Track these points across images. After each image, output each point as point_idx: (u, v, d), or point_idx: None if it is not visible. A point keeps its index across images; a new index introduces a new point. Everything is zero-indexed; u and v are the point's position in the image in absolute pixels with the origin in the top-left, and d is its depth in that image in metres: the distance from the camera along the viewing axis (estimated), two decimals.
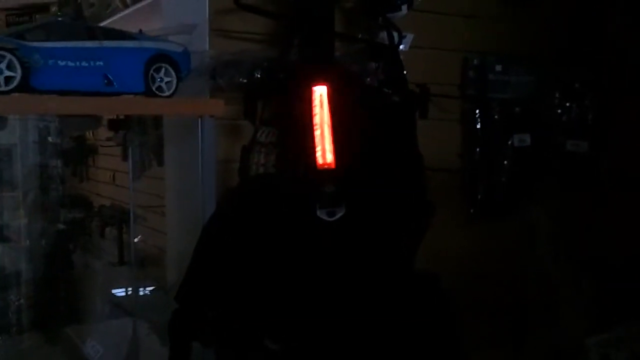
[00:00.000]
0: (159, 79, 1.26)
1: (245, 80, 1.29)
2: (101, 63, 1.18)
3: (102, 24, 1.90)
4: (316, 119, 1.19)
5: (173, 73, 1.28)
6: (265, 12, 1.35)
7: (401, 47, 1.64)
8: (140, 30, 1.28)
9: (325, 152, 1.18)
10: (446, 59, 1.79)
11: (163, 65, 1.27)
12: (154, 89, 1.26)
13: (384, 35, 1.54)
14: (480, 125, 1.83)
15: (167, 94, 1.28)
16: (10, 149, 2.07)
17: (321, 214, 1.15)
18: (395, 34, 1.52)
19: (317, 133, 1.18)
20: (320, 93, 1.20)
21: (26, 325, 1.94)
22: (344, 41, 1.45)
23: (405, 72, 1.55)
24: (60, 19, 1.74)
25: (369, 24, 1.53)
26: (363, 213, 1.18)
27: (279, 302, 1.13)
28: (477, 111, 1.82)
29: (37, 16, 2.73)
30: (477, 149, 1.83)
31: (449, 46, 1.79)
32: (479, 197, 1.84)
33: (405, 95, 1.42)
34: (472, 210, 1.86)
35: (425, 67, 1.72)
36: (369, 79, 1.41)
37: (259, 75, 1.28)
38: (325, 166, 1.17)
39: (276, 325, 1.13)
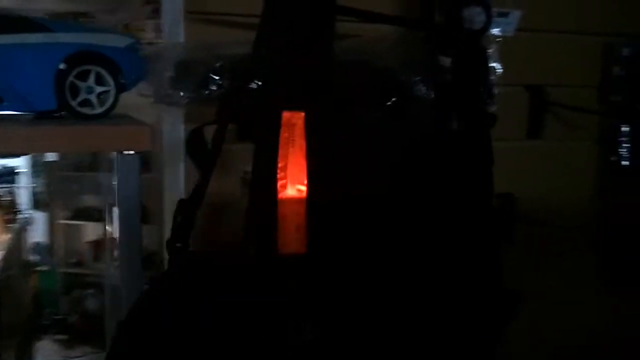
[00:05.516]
0: (85, 90, 0.85)
1: (207, 92, 0.82)
2: None
3: None
4: (281, 171, 0.68)
5: (110, 80, 0.87)
6: None
7: (496, 30, 1.07)
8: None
9: (291, 228, 0.67)
10: (576, 48, 1.25)
11: (92, 68, 0.86)
12: (74, 104, 0.85)
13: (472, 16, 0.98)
14: (631, 150, 1.28)
15: (98, 110, 0.86)
16: None
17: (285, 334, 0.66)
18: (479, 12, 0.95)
19: (280, 194, 0.68)
20: (293, 122, 0.69)
21: None
22: (379, 22, 0.91)
23: (492, 76, 0.98)
24: None
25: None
26: (354, 337, 0.67)
27: None
28: (625, 129, 1.28)
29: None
30: (623, 186, 1.29)
31: (581, 27, 1.24)
32: (622, 259, 1.30)
33: (476, 118, 0.85)
34: (609, 279, 1.31)
35: (541, 60, 1.21)
36: (422, 89, 0.86)
37: (215, 86, 0.79)
38: (288, 252, 0.67)
39: None
